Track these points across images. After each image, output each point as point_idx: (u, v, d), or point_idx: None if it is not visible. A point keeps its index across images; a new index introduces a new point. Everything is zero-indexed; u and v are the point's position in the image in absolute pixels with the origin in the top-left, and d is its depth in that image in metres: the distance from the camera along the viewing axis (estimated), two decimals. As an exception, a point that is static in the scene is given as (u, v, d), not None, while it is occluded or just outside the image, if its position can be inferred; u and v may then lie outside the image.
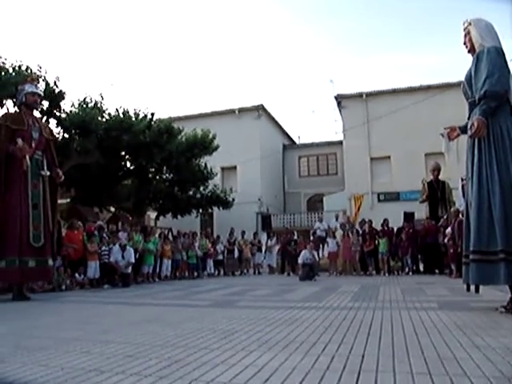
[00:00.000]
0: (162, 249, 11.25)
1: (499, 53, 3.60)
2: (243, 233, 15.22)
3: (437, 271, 10.52)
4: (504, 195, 3.39)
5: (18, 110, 6.77)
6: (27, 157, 6.07)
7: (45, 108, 13.44)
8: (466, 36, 3.90)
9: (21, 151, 6.02)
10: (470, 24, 3.85)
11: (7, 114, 6.68)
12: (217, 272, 14.02)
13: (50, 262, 6.44)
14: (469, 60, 3.88)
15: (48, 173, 6.46)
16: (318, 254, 12.83)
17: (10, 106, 12.41)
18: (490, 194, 3.46)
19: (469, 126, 3.69)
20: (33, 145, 6.30)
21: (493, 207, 3.43)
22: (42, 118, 12.86)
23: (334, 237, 12.59)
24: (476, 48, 3.78)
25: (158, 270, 11.01)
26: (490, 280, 3.51)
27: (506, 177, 3.43)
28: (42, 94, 7.01)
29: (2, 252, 5.83)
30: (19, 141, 6.03)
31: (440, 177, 11.66)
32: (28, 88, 6.49)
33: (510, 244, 3.30)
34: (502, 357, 1.99)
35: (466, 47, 3.92)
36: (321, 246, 13.65)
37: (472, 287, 4.27)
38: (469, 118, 3.81)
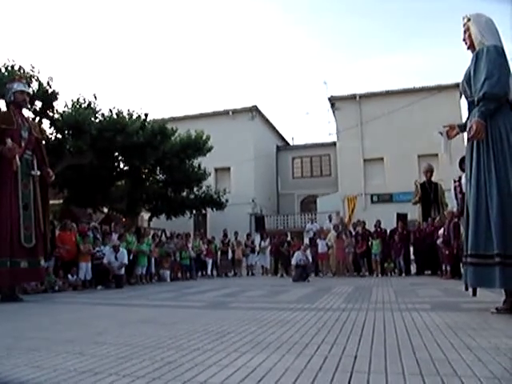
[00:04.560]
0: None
1: (499, 52, 3.53)
2: (236, 234, 15.22)
3: (429, 272, 10.58)
4: (501, 199, 3.38)
5: (6, 109, 6.61)
6: (17, 157, 5.94)
7: (38, 108, 13.35)
8: (465, 32, 3.82)
9: (10, 151, 5.87)
10: (469, 20, 3.78)
11: None
12: (210, 273, 14.02)
13: (43, 262, 6.39)
14: (464, 61, 3.84)
15: (38, 172, 6.36)
16: (312, 256, 12.84)
17: (2, 107, 12.31)
18: (488, 197, 3.45)
19: (467, 128, 3.67)
20: (22, 144, 6.18)
21: (490, 211, 3.42)
22: (34, 119, 12.79)
23: (324, 238, 12.60)
24: (476, 45, 3.70)
25: (152, 270, 10.99)
26: (486, 283, 3.52)
27: (503, 181, 3.41)
28: (31, 92, 6.88)
29: None
30: (8, 141, 5.88)
31: (433, 178, 11.73)
32: (16, 86, 6.37)
33: (507, 248, 3.30)
34: (492, 357, 2.01)
35: (466, 44, 3.85)
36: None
37: (470, 289, 4.28)
38: (468, 117, 3.77)
